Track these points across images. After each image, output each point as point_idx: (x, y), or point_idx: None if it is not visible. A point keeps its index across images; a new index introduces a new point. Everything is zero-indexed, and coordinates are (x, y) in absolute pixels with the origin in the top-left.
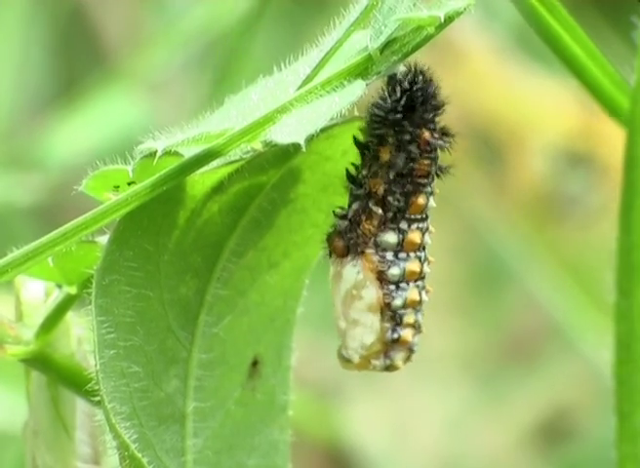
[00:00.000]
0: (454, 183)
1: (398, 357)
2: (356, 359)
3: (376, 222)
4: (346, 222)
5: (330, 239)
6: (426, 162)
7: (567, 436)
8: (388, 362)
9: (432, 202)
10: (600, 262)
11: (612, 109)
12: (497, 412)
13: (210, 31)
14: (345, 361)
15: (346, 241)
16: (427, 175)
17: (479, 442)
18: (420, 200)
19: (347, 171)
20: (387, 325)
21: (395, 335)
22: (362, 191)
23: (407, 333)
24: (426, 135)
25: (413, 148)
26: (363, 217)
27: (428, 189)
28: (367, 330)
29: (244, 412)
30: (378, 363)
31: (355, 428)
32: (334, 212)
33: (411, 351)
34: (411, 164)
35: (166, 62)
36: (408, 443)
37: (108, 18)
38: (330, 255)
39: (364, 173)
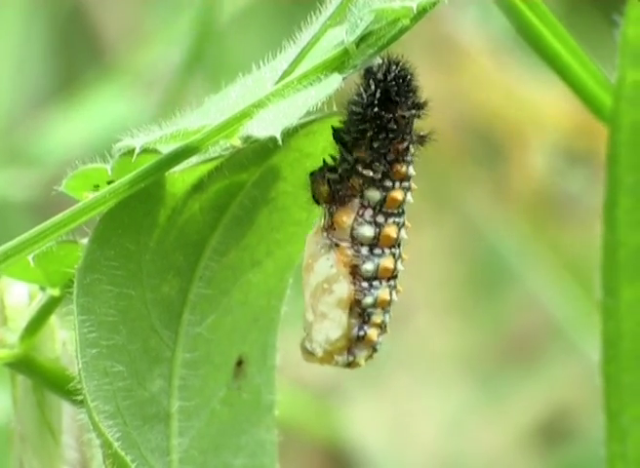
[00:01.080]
0: (454, 182)
1: (361, 354)
2: (320, 353)
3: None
4: (335, 175)
5: (315, 181)
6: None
7: (566, 436)
8: (351, 358)
9: (410, 197)
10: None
11: (594, 107)
12: (496, 412)
13: (207, 28)
14: (308, 354)
15: (333, 188)
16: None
17: (479, 441)
18: (397, 194)
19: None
20: (354, 321)
21: (361, 333)
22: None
23: (372, 333)
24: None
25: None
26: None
27: (406, 184)
28: (334, 324)
29: (230, 412)
30: (340, 359)
31: (355, 428)
32: (324, 160)
33: (374, 350)
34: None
35: (162, 60)
36: (407, 442)
37: (107, 15)
38: (315, 199)
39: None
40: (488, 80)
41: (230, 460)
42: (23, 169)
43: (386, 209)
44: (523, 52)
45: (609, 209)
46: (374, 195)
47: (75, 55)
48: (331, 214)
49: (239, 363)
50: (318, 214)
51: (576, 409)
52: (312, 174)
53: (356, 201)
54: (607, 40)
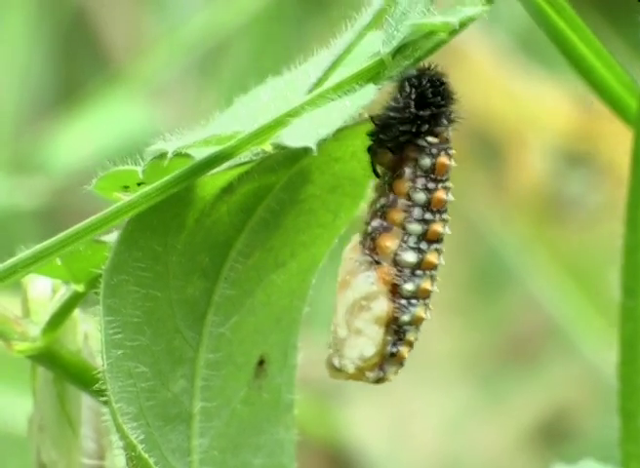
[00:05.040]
0: (454, 183)
1: (391, 370)
2: (351, 369)
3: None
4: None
5: (375, 153)
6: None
7: (566, 436)
8: (382, 374)
9: (447, 229)
10: (600, 262)
11: (619, 110)
12: (496, 413)
13: (212, 36)
14: (336, 370)
15: (395, 153)
16: (444, 203)
17: (479, 442)
18: (438, 227)
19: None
20: (389, 338)
21: (394, 350)
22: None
23: (404, 350)
24: (443, 157)
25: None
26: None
27: (445, 216)
28: (369, 341)
29: (250, 412)
30: (371, 375)
31: (355, 428)
32: (372, 120)
33: (401, 365)
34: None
35: (168, 67)
36: (408, 443)
37: (111, 23)
38: (374, 170)
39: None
40: (489, 82)
41: (250, 460)
42: (29, 177)
43: (429, 238)
44: (524, 53)
45: (631, 210)
46: (425, 164)
47: (80, 62)
48: (373, 239)
49: (260, 362)
50: (345, 218)
51: (575, 409)
52: (370, 148)
53: (399, 229)
54: (605, 40)
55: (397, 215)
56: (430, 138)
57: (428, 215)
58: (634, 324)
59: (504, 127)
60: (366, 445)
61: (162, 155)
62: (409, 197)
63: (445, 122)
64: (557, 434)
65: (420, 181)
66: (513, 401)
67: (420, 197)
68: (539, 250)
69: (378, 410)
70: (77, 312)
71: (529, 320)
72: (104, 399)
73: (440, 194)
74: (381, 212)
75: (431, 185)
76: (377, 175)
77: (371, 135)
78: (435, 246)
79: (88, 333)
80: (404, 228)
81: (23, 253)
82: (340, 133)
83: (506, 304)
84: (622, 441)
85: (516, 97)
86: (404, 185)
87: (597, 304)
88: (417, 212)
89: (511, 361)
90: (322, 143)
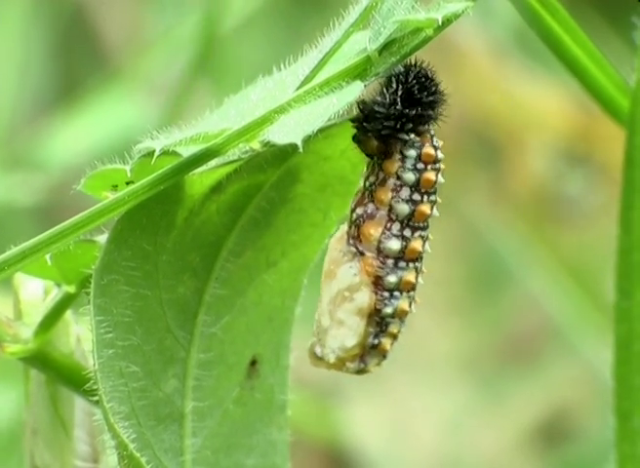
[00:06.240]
0: (453, 183)
1: (372, 362)
2: (332, 359)
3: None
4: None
5: (362, 141)
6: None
7: (566, 436)
8: (362, 365)
9: (435, 211)
10: (599, 263)
11: (612, 110)
12: (496, 413)
13: (209, 35)
14: (317, 359)
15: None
16: (433, 183)
17: (478, 442)
18: (425, 208)
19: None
20: (371, 330)
21: (375, 342)
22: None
23: (386, 342)
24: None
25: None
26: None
27: (433, 197)
28: (350, 332)
29: (242, 412)
30: (352, 366)
31: (354, 428)
32: (358, 107)
33: (384, 357)
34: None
35: (166, 65)
36: (407, 443)
37: (109, 20)
38: (368, 154)
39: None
40: (487, 81)
41: (242, 460)
42: (27, 174)
43: (414, 222)
44: (522, 53)
45: (625, 211)
46: (409, 177)
47: (77, 59)
48: (357, 226)
49: (253, 363)
50: (335, 217)
51: (575, 409)
52: (355, 137)
53: (384, 213)
54: (604, 41)
55: (385, 195)
56: (413, 135)
57: (416, 196)
58: (629, 324)
59: (503, 127)
60: (365, 445)
61: (150, 153)
62: (398, 176)
63: (430, 121)
64: (557, 434)
65: (410, 162)
66: (513, 401)
67: (410, 177)
68: (538, 250)
69: (377, 410)
70: (69, 314)
71: (528, 320)
72: (96, 399)
73: (429, 175)
74: (369, 191)
75: (420, 166)
76: (369, 156)
77: (354, 121)
78: (420, 232)
79: (80, 335)
80: (390, 209)
81: (11, 251)
82: (328, 131)
83: (506, 304)
84: (618, 441)
85: (515, 97)
86: (393, 165)
87: (597, 304)
88: (405, 191)
89: (511, 361)
90: (310, 141)
